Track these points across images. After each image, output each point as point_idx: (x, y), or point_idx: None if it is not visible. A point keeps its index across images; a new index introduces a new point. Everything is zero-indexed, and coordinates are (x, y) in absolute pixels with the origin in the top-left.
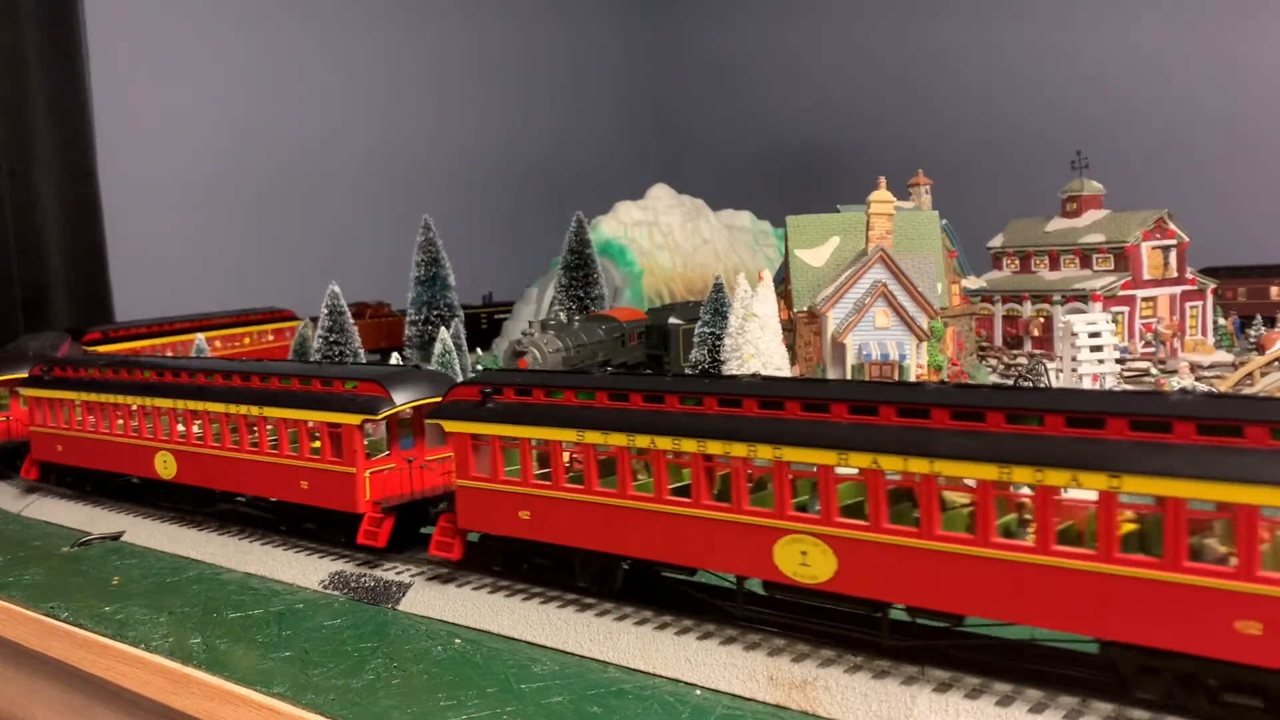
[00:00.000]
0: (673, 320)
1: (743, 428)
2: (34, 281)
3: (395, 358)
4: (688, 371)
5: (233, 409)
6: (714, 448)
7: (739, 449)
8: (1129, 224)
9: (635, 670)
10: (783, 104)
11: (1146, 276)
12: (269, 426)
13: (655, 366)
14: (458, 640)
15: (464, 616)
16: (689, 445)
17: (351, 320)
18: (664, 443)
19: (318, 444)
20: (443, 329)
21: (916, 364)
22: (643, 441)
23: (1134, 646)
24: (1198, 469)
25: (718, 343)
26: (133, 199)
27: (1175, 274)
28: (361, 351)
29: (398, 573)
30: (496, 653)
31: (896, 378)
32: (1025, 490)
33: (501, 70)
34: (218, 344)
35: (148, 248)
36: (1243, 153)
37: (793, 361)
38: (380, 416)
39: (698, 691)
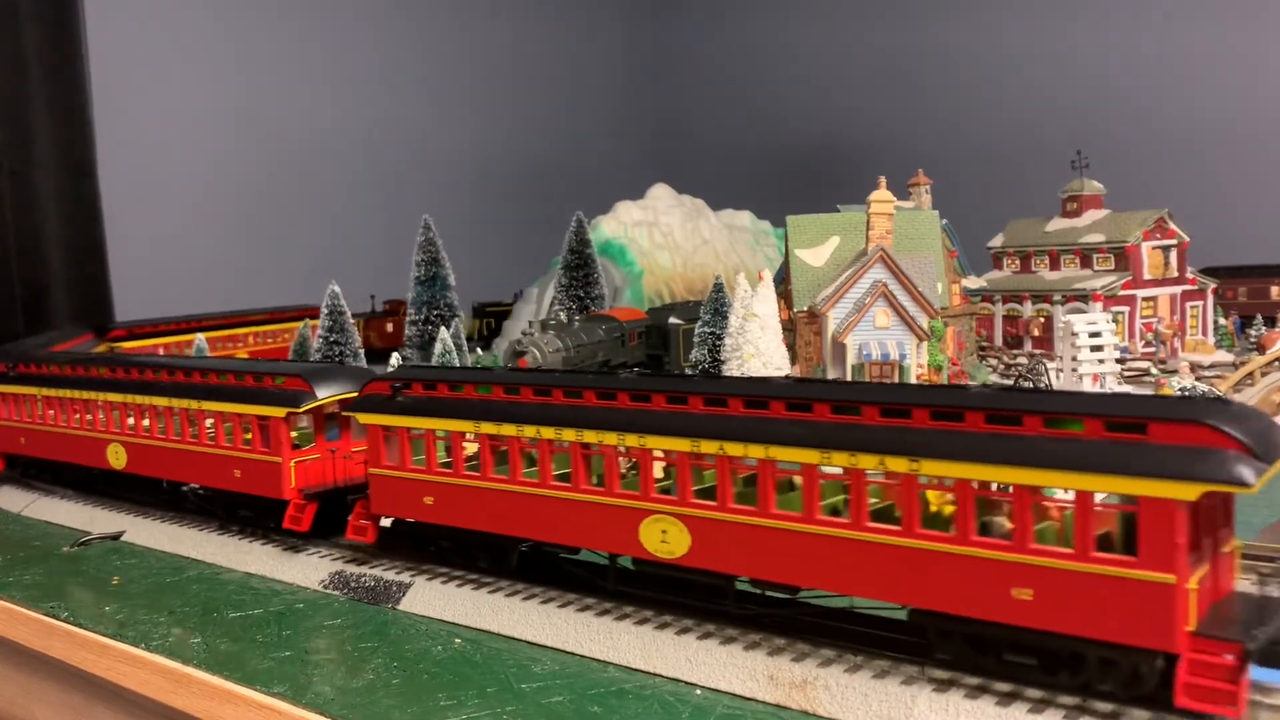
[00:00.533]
0: (673, 320)
1: (615, 419)
2: (34, 281)
3: (395, 358)
4: (688, 371)
5: (176, 403)
6: (590, 437)
7: (610, 438)
8: (1129, 224)
9: (635, 670)
10: (783, 104)
11: (1147, 276)
12: (208, 420)
13: (655, 366)
14: (458, 640)
15: (464, 616)
16: (569, 435)
17: (351, 319)
18: (548, 432)
19: (249, 435)
20: (443, 329)
21: (917, 364)
22: (530, 431)
23: (934, 612)
24: (981, 454)
25: (718, 343)
26: (133, 199)
27: (1175, 274)
28: (361, 351)
29: (398, 573)
30: (496, 652)
31: (897, 378)
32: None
33: (502, 70)
34: (250, 339)
35: (148, 247)
36: (1243, 153)
37: (793, 361)
38: (303, 409)
39: (698, 691)
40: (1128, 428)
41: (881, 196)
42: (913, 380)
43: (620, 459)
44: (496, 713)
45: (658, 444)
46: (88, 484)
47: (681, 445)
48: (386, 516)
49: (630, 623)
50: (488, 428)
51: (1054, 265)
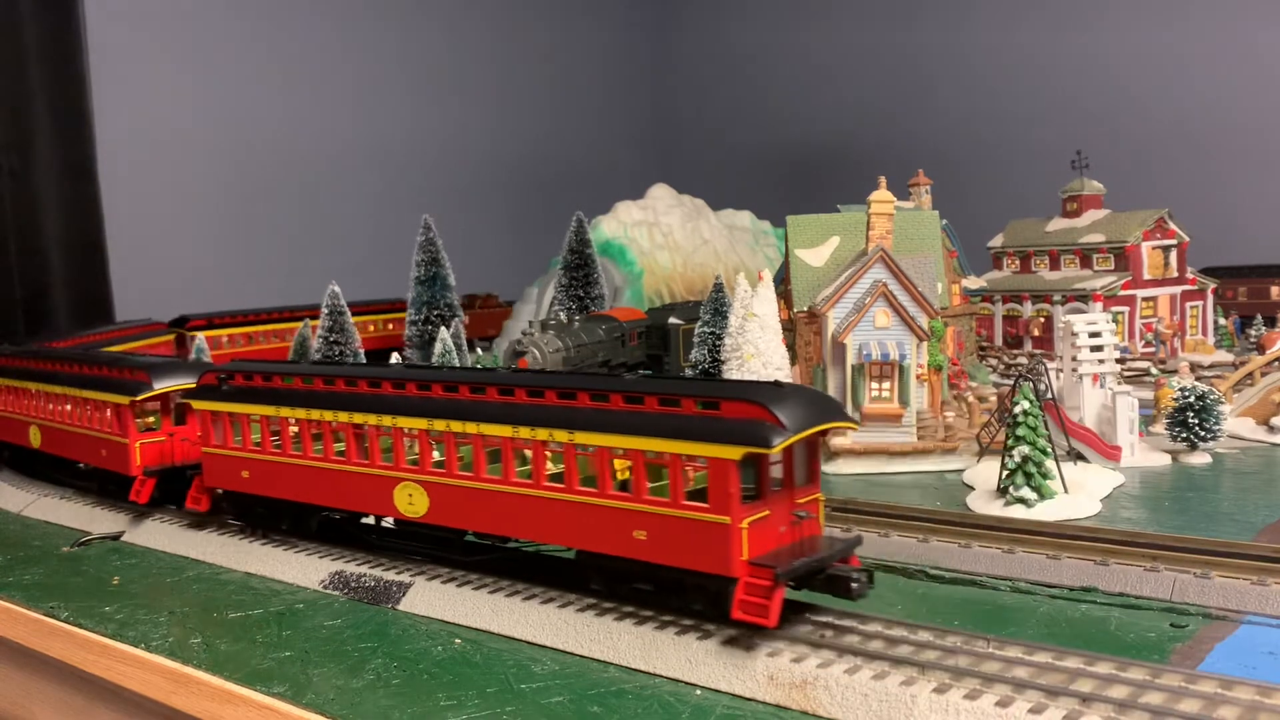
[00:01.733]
0: (673, 320)
1: (377, 404)
2: (34, 281)
3: (395, 357)
4: (688, 372)
5: (61, 390)
6: (359, 418)
7: (372, 419)
8: (1129, 224)
9: (635, 670)
10: (783, 103)
11: (1147, 276)
12: (87, 406)
13: (655, 366)
14: (458, 640)
15: (464, 616)
16: (344, 417)
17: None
18: (328, 415)
19: (108, 420)
20: (443, 329)
21: (917, 364)
22: (316, 415)
23: (587, 552)
24: (615, 427)
25: (718, 343)
26: (133, 199)
27: (1175, 274)
28: (361, 351)
29: (398, 573)
30: (496, 653)
31: (897, 378)
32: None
33: (502, 70)
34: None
35: (148, 247)
36: (1243, 153)
37: (793, 361)
38: (140, 398)
39: (698, 691)
40: (709, 405)
41: (881, 196)
42: (912, 380)
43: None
44: (496, 713)
45: (406, 423)
46: (15, 463)
47: (421, 424)
48: (216, 488)
49: (630, 623)
50: (285, 412)
51: (1054, 265)
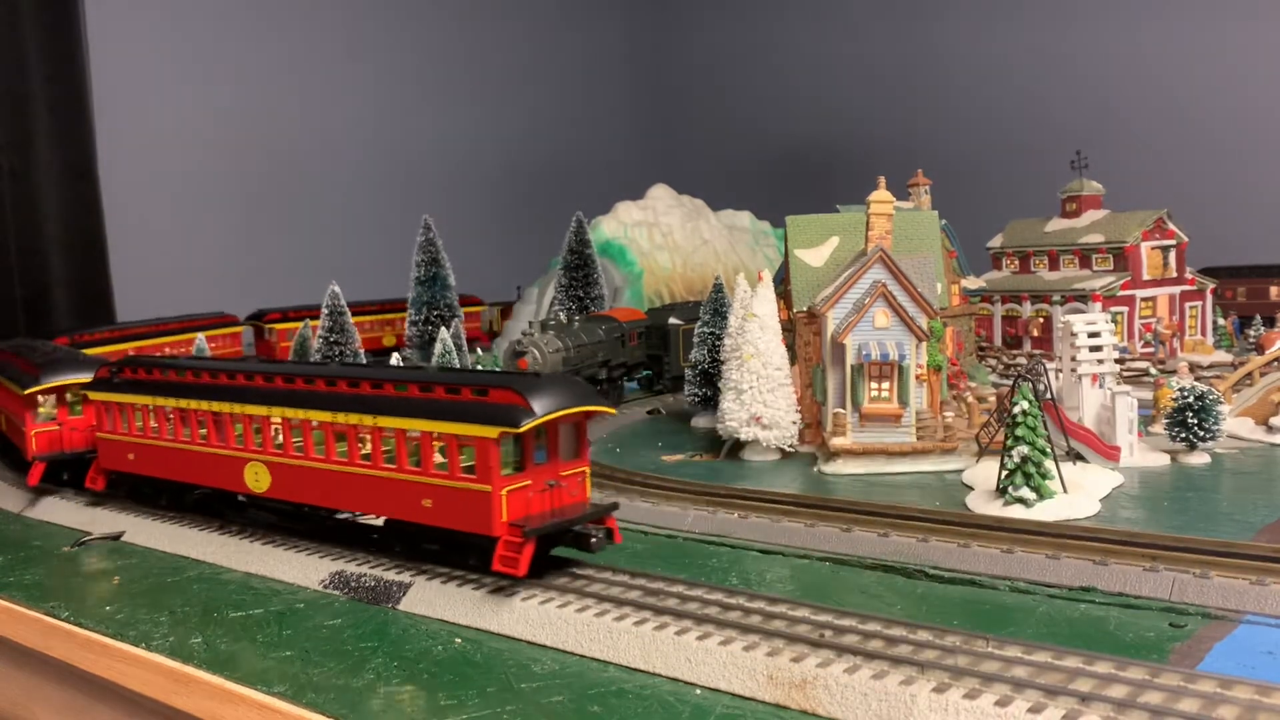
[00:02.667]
0: (673, 320)
1: (232, 393)
2: (35, 281)
3: (395, 358)
4: (687, 373)
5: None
6: (217, 407)
7: (225, 407)
8: (1128, 224)
9: (635, 670)
10: (782, 104)
11: (1146, 276)
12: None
13: (655, 366)
14: (458, 640)
15: (464, 616)
16: (204, 405)
17: (352, 319)
18: (194, 404)
19: (15, 411)
20: (443, 329)
21: (916, 364)
22: (184, 404)
23: (391, 520)
24: (409, 411)
25: (718, 343)
26: (133, 198)
27: (1175, 274)
28: (361, 351)
29: (398, 573)
30: (496, 652)
31: (896, 378)
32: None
33: (502, 70)
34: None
35: (148, 247)
36: (1243, 153)
37: (793, 361)
38: (30, 391)
39: (698, 691)
40: (480, 393)
41: (881, 197)
42: (912, 381)
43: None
44: (497, 712)
45: (252, 410)
46: None
47: (263, 411)
48: (110, 470)
49: (630, 623)
50: (160, 401)
51: (1053, 265)
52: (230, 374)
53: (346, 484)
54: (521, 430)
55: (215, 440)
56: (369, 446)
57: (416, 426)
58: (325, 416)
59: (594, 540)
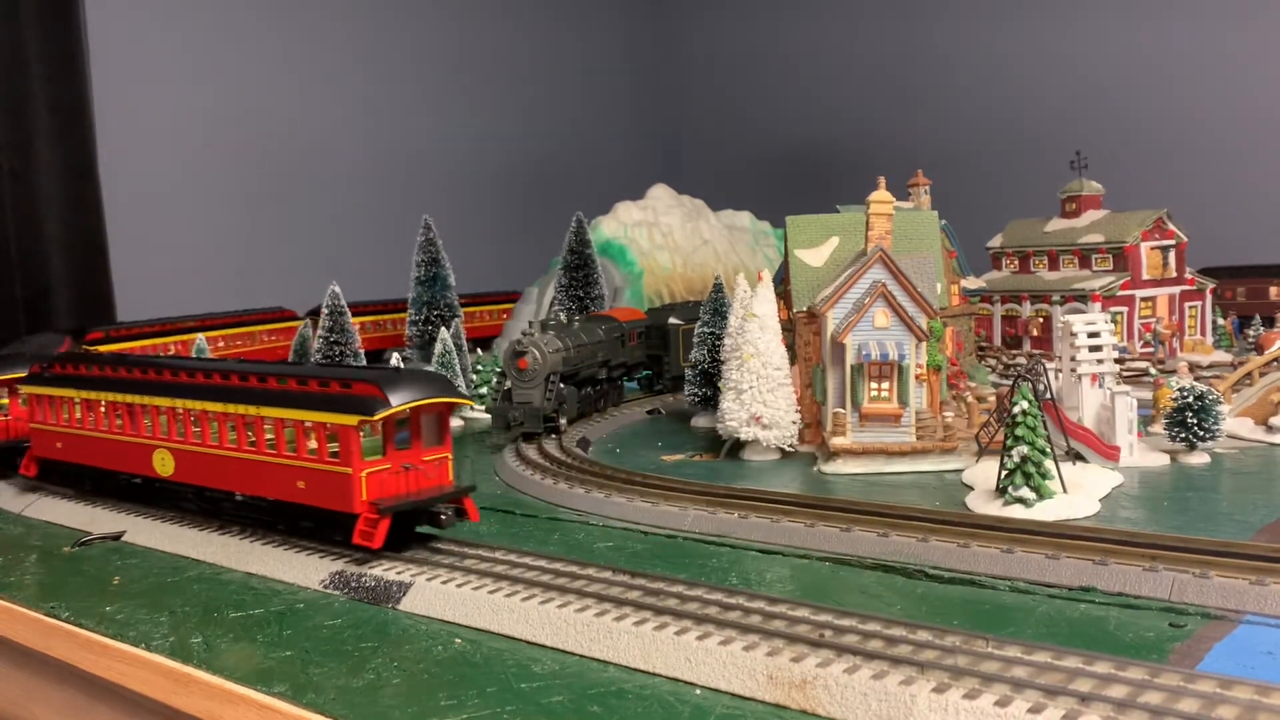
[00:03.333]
0: (673, 320)
1: (141, 386)
2: (35, 281)
3: (395, 358)
4: (687, 373)
5: None
6: (130, 399)
7: (136, 399)
8: (1128, 224)
9: (635, 670)
10: (783, 104)
11: (1145, 276)
12: None
13: (655, 366)
14: (458, 640)
15: (464, 616)
16: (116, 398)
17: (352, 319)
18: (108, 396)
19: None
20: (443, 329)
21: (916, 364)
22: (104, 396)
23: (273, 500)
24: (285, 402)
25: (717, 343)
26: (134, 198)
27: (1174, 274)
28: (361, 351)
29: (398, 573)
30: (497, 652)
31: (896, 378)
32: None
33: (502, 70)
34: (486, 315)
35: (149, 247)
36: (1242, 153)
37: (792, 361)
38: None
39: (697, 691)
40: (345, 385)
41: (881, 197)
42: (911, 380)
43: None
44: (497, 712)
45: (158, 402)
46: None
47: (167, 402)
48: (42, 457)
49: (630, 623)
50: (84, 394)
51: (1053, 265)
52: (143, 369)
53: (236, 468)
54: (376, 419)
55: (129, 429)
56: (257, 435)
57: (292, 416)
58: (217, 407)
59: (444, 518)
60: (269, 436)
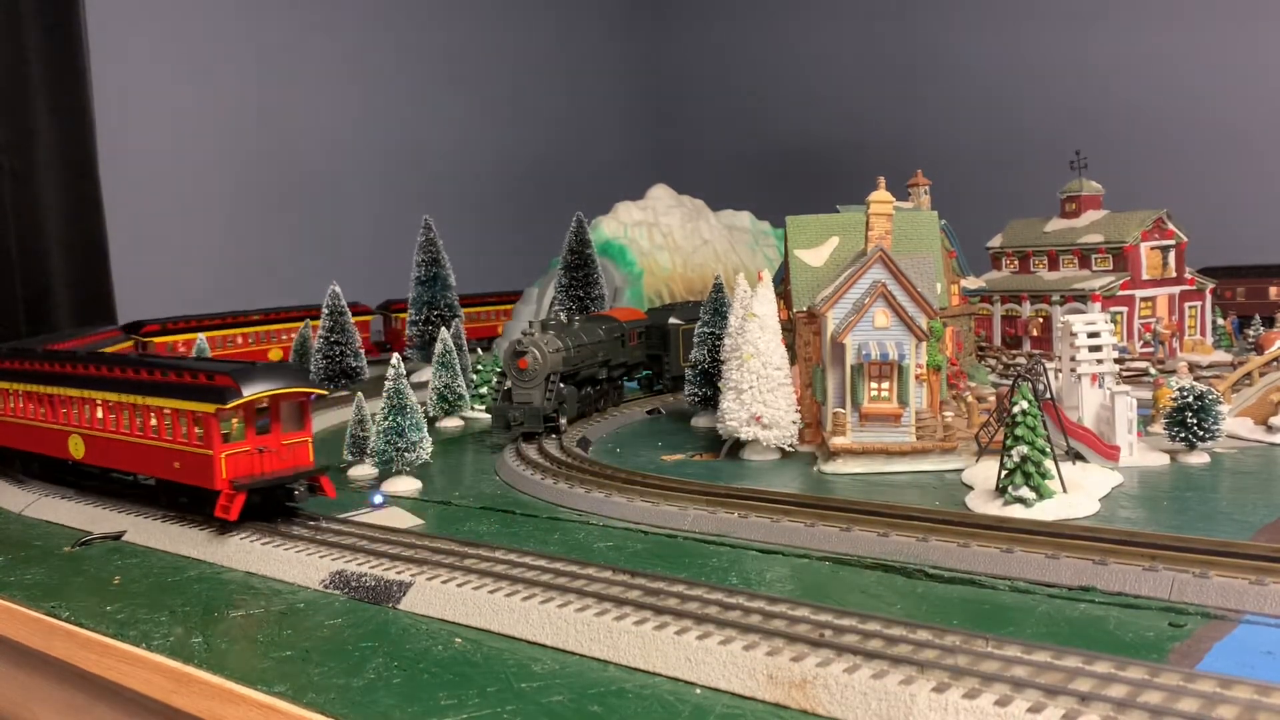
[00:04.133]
0: (673, 320)
1: (59, 378)
2: (36, 281)
3: (395, 358)
4: (687, 373)
5: None
6: (51, 390)
7: (55, 390)
8: (1128, 224)
9: (635, 669)
10: (782, 104)
11: (1145, 276)
12: None
13: (655, 366)
14: (458, 639)
15: (464, 615)
16: (33, 388)
17: (352, 319)
18: (30, 387)
19: None
20: (443, 329)
21: (916, 364)
22: (32, 388)
23: (159, 479)
24: (155, 392)
25: (717, 343)
26: (134, 198)
27: (1174, 274)
28: (361, 351)
29: (398, 572)
30: (497, 652)
31: (896, 378)
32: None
33: (502, 71)
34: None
35: (149, 247)
36: (1242, 153)
37: (792, 361)
38: None
39: (698, 690)
40: (209, 377)
41: (881, 197)
42: (911, 380)
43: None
44: (497, 712)
45: (69, 392)
46: None
47: (75, 392)
48: None
49: (630, 622)
50: (16, 386)
51: (1052, 265)
52: (63, 363)
53: (130, 451)
54: (229, 406)
55: (50, 417)
56: (155, 420)
57: (168, 405)
58: (113, 397)
59: (297, 493)
60: (154, 423)
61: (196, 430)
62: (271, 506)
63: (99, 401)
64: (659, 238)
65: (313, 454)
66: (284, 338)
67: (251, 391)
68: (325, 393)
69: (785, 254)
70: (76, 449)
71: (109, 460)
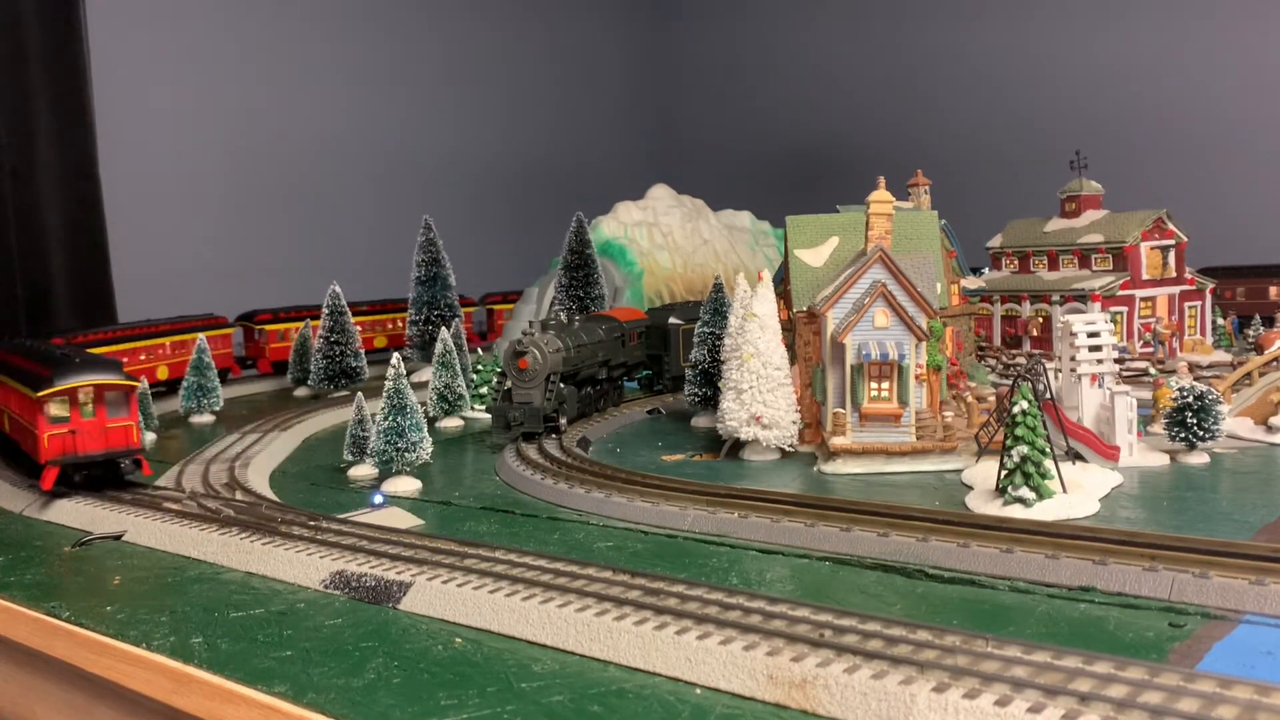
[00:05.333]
0: (673, 320)
1: None
2: (36, 281)
3: (395, 357)
4: (687, 373)
5: None
6: None
7: None
8: (1128, 224)
9: (635, 669)
10: (783, 104)
11: (1145, 276)
12: None
13: (655, 366)
14: (458, 639)
15: (464, 615)
16: None
17: (352, 319)
18: None
19: None
20: (443, 329)
21: (916, 364)
22: None
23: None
24: (20, 381)
25: (717, 343)
26: (135, 199)
27: (1174, 274)
28: (361, 350)
29: (398, 572)
30: (497, 652)
31: (896, 377)
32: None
33: (502, 71)
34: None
35: (150, 248)
36: (1242, 153)
37: (793, 361)
38: None
39: (698, 691)
40: (42, 368)
41: (881, 197)
42: (911, 380)
43: None
44: (497, 712)
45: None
46: None
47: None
48: None
49: (630, 622)
50: None
51: (1052, 265)
52: None
53: (15, 426)
54: (41, 394)
55: None
56: (16, 402)
57: (19, 389)
58: (10, 382)
59: (123, 467)
60: (15, 404)
61: (32, 411)
62: (103, 481)
63: (9, 386)
64: (659, 238)
65: (138, 436)
66: (389, 326)
67: (63, 382)
68: (137, 383)
69: (785, 254)
70: (6, 425)
71: (13, 432)
